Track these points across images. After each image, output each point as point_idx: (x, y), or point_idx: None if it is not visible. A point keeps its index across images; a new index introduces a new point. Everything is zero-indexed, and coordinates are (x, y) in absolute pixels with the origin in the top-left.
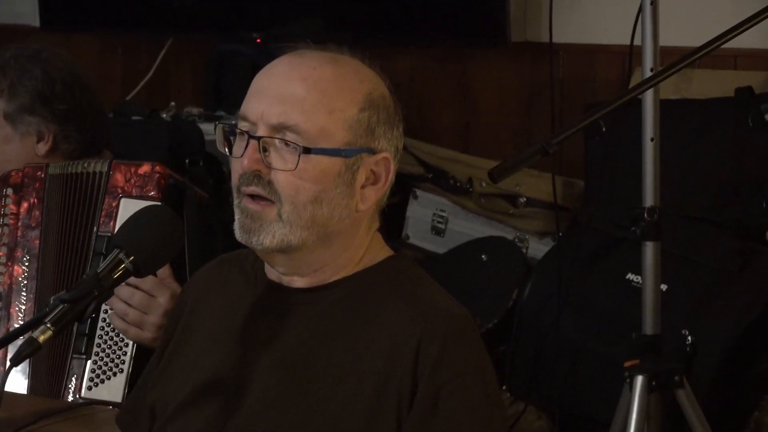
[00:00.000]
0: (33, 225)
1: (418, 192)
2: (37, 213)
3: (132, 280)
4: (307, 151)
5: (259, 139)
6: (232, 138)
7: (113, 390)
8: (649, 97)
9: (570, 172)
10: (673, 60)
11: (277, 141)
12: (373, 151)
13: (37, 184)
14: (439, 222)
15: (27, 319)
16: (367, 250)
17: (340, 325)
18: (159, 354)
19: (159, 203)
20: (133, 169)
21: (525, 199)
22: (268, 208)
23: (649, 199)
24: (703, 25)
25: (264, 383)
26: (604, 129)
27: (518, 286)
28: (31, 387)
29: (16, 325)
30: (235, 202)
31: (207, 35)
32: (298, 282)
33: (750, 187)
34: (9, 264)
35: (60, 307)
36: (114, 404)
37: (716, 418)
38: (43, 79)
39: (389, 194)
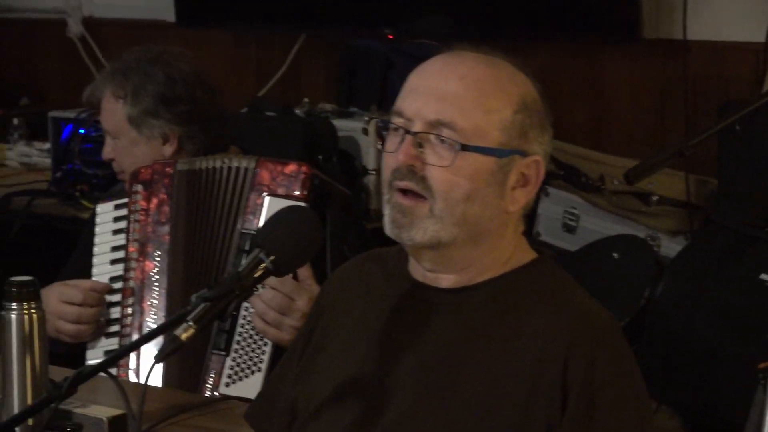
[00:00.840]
0: (163, 220)
1: (550, 189)
2: (167, 208)
3: (272, 282)
4: (464, 147)
5: (415, 134)
6: (385, 133)
7: (251, 388)
8: None
9: (702, 170)
10: None
11: (432, 137)
12: (524, 154)
13: (165, 180)
14: (570, 219)
15: (159, 313)
16: (513, 252)
17: (486, 327)
18: (298, 352)
19: (301, 203)
20: (279, 168)
21: (657, 198)
22: (420, 203)
23: None
24: None
25: (408, 384)
26: (738, 128)
27: (650, 285)
28: (166, 381)
29: (148, 320)
30: (385, 197)
31: (339, 31)
32: (444, 281)
33: None
34: (141, 259)
35: (202, 306)
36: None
37: None
38: (165, 81)
39: None
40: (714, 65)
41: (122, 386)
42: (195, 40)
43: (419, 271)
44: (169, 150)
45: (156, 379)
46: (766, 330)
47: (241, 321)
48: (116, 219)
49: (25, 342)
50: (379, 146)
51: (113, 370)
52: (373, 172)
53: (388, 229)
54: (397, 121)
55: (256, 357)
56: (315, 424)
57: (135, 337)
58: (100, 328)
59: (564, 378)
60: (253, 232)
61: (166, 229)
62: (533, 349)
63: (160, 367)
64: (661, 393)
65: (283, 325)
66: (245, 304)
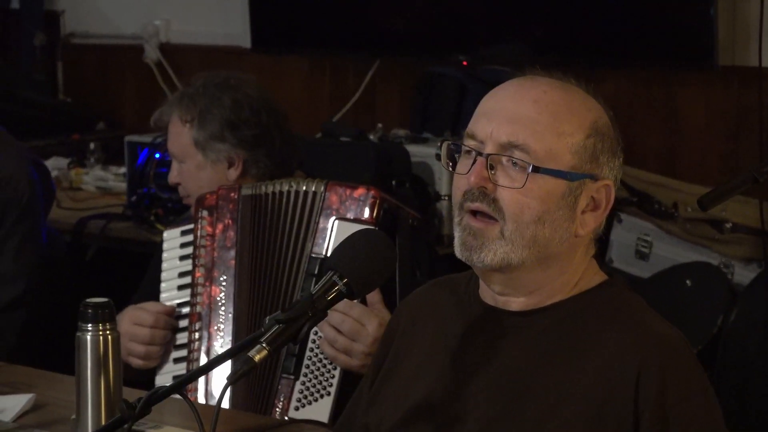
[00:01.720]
0: (228, 245)
1: (623, 216)
2: (232, 233)
3: (341, 307)
4: (535, 169)
5: (487, 156)
6: (456, 156)
7: (320, 412)
8: None
9: None
10: None
11: (504, 159)
12: (595, 178)
13: (230, 206)
14: (643, 246)
15: (226, 338)
16: (582, 275)
17: (556, 350)
18: (371, 378)
19: (373, 227)
20: (348, 192)
21: (731, 225)
22: (491, 225)
23: None
24: None
25: (480, 407)
26: None
27: (723, 312)
28: (234, 403)
29: (215, 344)
30: (456, 219)
31: (414, 57)
32: (514, 305)
33: None
34: (207, 284)
35: (275, 328)
36: (322, 425)
37: None
38: (231, 106)
39: None
40: None
41: (196, 408)
42: (270, 66)
43: (489, 294)
44: (234, 174)
45: (224, 402)
46: None
47: (310, 345)
48: (183, 245)
49: (100, 363)
50: (450, 168)
51: None
52: (446, 198)
53: (459, 252)
54: (469, 143)
55: (326, 381)
56: None
57: (203, 361)
58: (168, 352)
59: (636, 399)
60: (321, 256)
61: (232, 254)
62: (603, 370)
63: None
64: (734, 421)
65: (353, 351)
66: (314, 328)
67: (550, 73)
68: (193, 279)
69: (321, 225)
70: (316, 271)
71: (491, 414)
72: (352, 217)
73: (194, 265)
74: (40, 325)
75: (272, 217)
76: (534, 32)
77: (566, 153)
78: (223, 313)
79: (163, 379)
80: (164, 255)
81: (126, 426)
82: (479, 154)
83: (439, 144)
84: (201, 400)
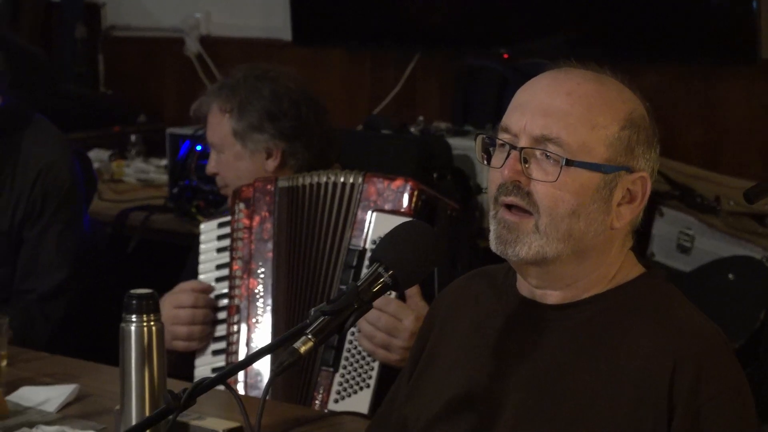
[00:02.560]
0: (266, 237)
1: (664, 209)
2: (269, 225)
3: (377, 303)
4: (569, 163)
5: (520, 150)
6: (491, 149)
7: (359, 404)
8: None
9: None
10: None
11: (538, 152)
12: (631, 170)
13: (267, 198)
14: (685, 240)
15: (264, 330)
16: (620, 268)
17: (592, 344)
18: (409, 370)
19: (415, 219)
20: (386, 183)
21: None
22: (526, 219)
23: None
24: None
25: (517, 400)
26: None
27: (766, 307)
28: (272, 395)
29: (254, 336)
30: (492, 213)
31: (454, 50)
32: (551, 297)
33: None
34: (245, 277)
35: (320, 319)
36: (361, 416)
37: None
38: (271, 97)
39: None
40: None
41: (240, 399)
42: (311, 58)
43: (527, 287)
44: (272, 165)
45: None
46: None
47: (349, 337)
48: (220, 237)
49: (144, 353)
50: (484, 162)
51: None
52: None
53: (494, 245)
54: (503, 136)
55: (365, 373)
56: None
57: (242, 353)
58: (209, 336)
59: (670, 393)
60: (360, 247)
61: (270, 246)
62: (639, 364)
63: (266, 380)
64: None
65: (391, 346)
66: None
67: (586, 66)
68: (230, 271)
69: (359, 217)
70: (354, 263)
71: (528, 406)
72: (390, 209)
73: (231, 258)
74: (83, 316)
75: (309, 209)
76: (574, 25)
77: (600, 145)
78: (262, 306)
79: (203, 371)
80: (201, 247)
81: (171, 417)
82: (513, 147)
83: (474, 138)
84: (241, 391)
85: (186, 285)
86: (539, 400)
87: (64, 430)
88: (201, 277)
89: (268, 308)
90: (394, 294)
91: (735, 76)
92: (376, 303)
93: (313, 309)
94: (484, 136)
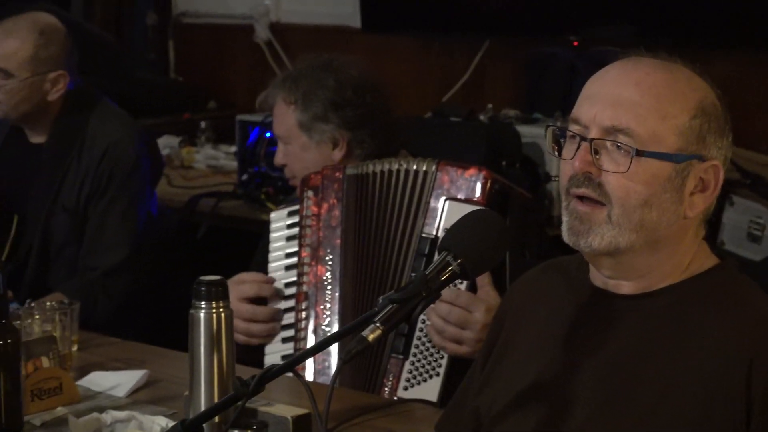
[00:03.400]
0: (334, 225)
1: (735, 198)
2: (337, 213)
3: (448, 296)
4: (639, 153)
5: (591, 141)
6: (561, 141)
7: (429, 392)
8: None
9: None
10: None
11: (608, 143)
12: (702, 159)
13: (335, 185)
14: (755, 229)
15: (332, 317)
16: (693, 258)
17: (666, 335)
18: (482, 361)
19: (486, 208)
20: (459, 172)
21: None
22: (597, 210)
23: None
24: None
25: (590, 391)
26: None
27: None
28: (340, 382)
29: (322, 324)
30: (564, 204)
31: (524, 38)
32: (624, 288)
33: None
34: (313, 264)
35: (389, 307)
36: (430, 404)
37: None
38: (335, 87)
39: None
40: None
41: (309, 386)
42: (380, 46)
43: (600, 278)
44: (338, 155)
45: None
46: None
47: (419, 325)
48: (289, 225)
49: (213, 340)
50: (555, 154)
51: None
52: (556, 179)
53: (566, 237)
54: (573, 128)
55: (435, 362)
56: (498, 427)
57: (310, 340)
58: (274, 330)
59: (748, 388)
60: (432, 236)
61: (338, 233)
62: (715, 356)
63: (335, 368)
64: None
65: (462, 339)
66: None
67: (656, 54)
68: (299, 259)
69: (432, 205)
70: (426, 251)
71: (600, 398)
72: (462, 197)
73: (300, 245)
74: (153, 301)
75: (380, 196)
76: (645, 12)
77: (671, 135)
78: (330, 293)
79: (271, 359)
80: (271, 236)
81: (240, 403)
82: (583, 139)
83: (544, 128)
84: (309, 378)
85: (248, 276)
86: (611, 393)
87: (134, 415)
88: (271, 265)
89: (336, 295)
90: (464, 284)
91: None
92: (447, 296)
93: (381, 297)
94: (555, 127)
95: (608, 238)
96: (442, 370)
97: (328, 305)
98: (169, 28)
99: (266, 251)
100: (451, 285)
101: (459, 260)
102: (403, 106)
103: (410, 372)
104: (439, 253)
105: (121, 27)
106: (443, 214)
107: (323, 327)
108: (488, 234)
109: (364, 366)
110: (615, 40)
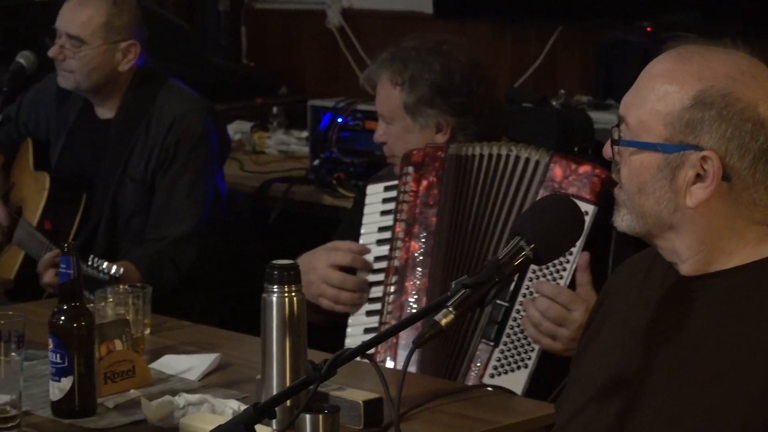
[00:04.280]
0: (431, 203)
1: None
2: (435, 191)
3: (549, 291)
4: (625, 143)
5: (611, 129)
6: None
7: (515, 383)
8: None
9: None
10: None
11: (615, 132)
12: (699, 149)
13: (436, 164)
14: None
15: (420, 294)
16: (756, 244)
17: (721, 320)
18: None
19: (565, 195)
20: (573, 166)
21: None
22: (618, 192)
23: None
24: None
25: (663, 382)
26: None
27: None
28: (421, 366)
29: (410, 300)
30: None
31: (596, 24)
32: (682, 269)
33: None
34: (406, 239)
35: (462, 292)
36: (509, 393)
37: None
38: (442, 72)
39: None
40: None
41: (381, 371)
42: (452, 32)
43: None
44: (441, 140)
45: (411, 365)
46: None
47: (514, 314)
48: (385, 200)
49: (285, 324)
50: None
51: None
52: None
53: None
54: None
55: (525, 353)
56: (578, 420)
57: (395, 315)
58: (361, 300)
59: None
60: None
61: (434, 211)
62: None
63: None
64: None
65: (558, 336)
66: (520, 298)
67: (715, 42)
68: (393, 233)
69: (541, 196)
70: None
71: (673, 391)
72: (573, 193)
73: (395, 220)
74: (224, 285)
75: (484, 179)
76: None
77: (657, 124)
78: (420, 270)
79: (355, 330)
80: (366, 209)
81: (312, 387)
82: (613, 126)
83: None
84: (382, 362)
85: (343, 244)
86: (683, 382)
87: (206, 399)
88: (363, 237)
89: (426, 272)
90: (564, 281)
91: None
92: (548, 291)
93: (454, 282)
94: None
95: (627, 220)
96: (531, 363)
97: (417, 282)
98: (242, 14)
99: (355, 222)
100: (551, 281)
101: (532, 245)
102: None
103: (498, 360)
104: (511, 238)
105: (194, 13)
106: None
107: (410, 303)
108: (562, 220)
109: (449, 349)
110: (688, 26)
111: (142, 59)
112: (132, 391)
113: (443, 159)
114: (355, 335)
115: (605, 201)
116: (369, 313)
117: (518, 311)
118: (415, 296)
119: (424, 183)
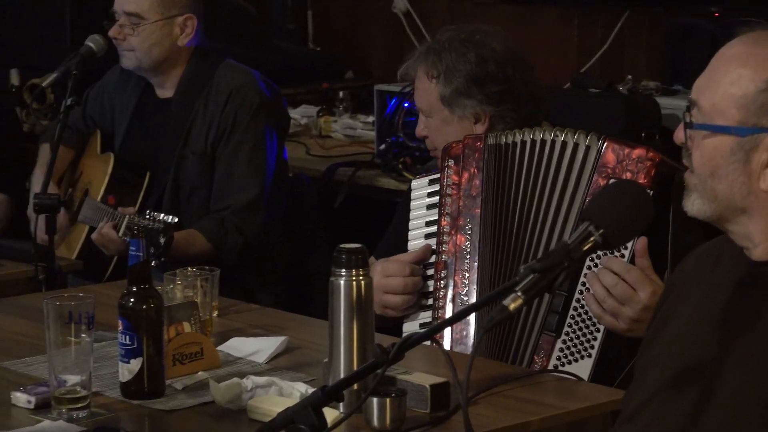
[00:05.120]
0: (474, 194)
1: None
2: (477, 182)
3: (617, 268)
4: (699, 126)
5: (683, 113)
6: None
7: (579, 371)
8: None
9: None
10: None
11: (687, 116)
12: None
13: (476, 155)
14: None
15: (470, 286)
16: None
17: None
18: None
19: (634, 181)
20: (626, 151)
21: None
22: (689, 177)
23: None
24: None
25: (740, 368)
26: None
27: None
28: (480, 352)
29: (461, 292)
30: None
31: (664, 8)
32: (753, 254)
33: None
34: (453, 233)
35: (530, 277)
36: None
37: None
38: (477, 61)
39: None
40: None
41: (449, 355)
42: (518, 16)
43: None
44: (480, 129)
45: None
46: None
47: (574, 303)
48: (430, 194)
49: (353, 308)
50: None
51: None
52: None
53: None
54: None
55: (587, 342)
56: (648, 410)
57: (448, 309)
58: (420, 299)
59: None
60: None
61: (478, 202)
62: None
63: (473, 337)
64: None
65: (620, 314)
66: (580, 287)
67: None
68: (439, 227)
69: (596, 182)
70: None
71: (747, 379)
72: (628, 179)
73: (440, 214)
74: (292, 269)
75: (527, 166)
76: None
77: (731, 107)
78: (468, 262)
79: (411, 326)
80: (412, 204)
81: (379, 371)
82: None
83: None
84: (447, 347)
85: (394, 268)
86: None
87: (274, 381)
88: (411, 233)
89: (475, 264)
90: (627, 257)
91: None
92: (616, 268)
93: (522, 266)
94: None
95: (697, 204)
96: (594, 351)
97: (467, 274)
98: None
99: (405, 218)
100: (619, 257)
101: (601, 230)
102: (541, 76)
103: (561, 351)
104: (581, 223)
105: None
106: None
107: (461, 296)
108: (631, 205)
109: (509, 340)
110: (757, 11)
111: (200, 38)
112: (200, 373)
113: (482, 149)
114: (411, 330)
115: (659, 184)
116: (423, 308)
117: (578, 300)
118: (466, 288)
119: (466, 175)
